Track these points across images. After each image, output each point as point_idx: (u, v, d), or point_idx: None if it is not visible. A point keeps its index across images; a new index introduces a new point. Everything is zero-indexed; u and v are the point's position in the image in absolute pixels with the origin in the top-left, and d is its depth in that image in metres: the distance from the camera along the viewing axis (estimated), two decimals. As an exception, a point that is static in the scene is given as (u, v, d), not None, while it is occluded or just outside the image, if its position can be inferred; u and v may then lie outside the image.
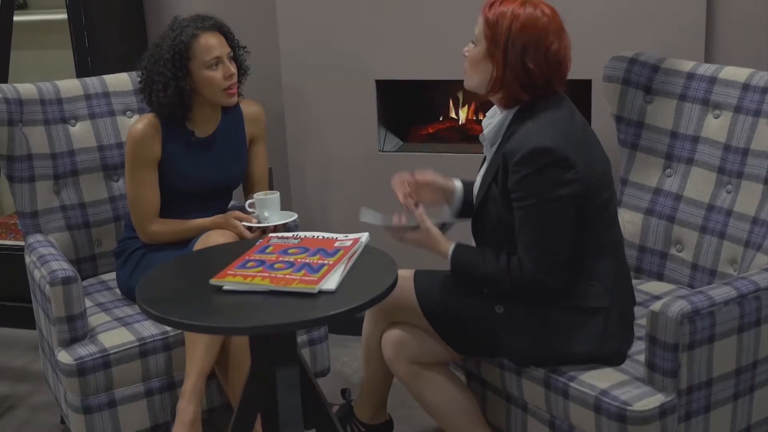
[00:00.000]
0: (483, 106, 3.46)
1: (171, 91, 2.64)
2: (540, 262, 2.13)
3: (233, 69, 2.70)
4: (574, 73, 2.97)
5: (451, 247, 2.26)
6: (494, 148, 2.26)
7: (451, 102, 3.47)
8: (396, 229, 2.32)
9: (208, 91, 2.68)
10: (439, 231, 2.30)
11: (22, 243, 2.91)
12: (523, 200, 2.13)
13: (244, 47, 2.80)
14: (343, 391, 2.72)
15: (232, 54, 2.72)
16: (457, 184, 2.47)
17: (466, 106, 3.46)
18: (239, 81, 2.76)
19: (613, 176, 2.30)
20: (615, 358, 2.22)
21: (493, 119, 2.27)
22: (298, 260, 2.15)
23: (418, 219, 2.29)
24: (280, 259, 2.17)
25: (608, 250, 2.25)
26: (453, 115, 3.49)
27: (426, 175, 2.41)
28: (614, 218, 2.31)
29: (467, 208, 2.42)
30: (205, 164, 2.76)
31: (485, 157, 2.34)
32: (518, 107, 2.22)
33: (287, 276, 2.06)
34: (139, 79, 2.77)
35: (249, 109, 2.87)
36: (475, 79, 2.24)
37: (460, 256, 2.25)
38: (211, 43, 2.66)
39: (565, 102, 2.25)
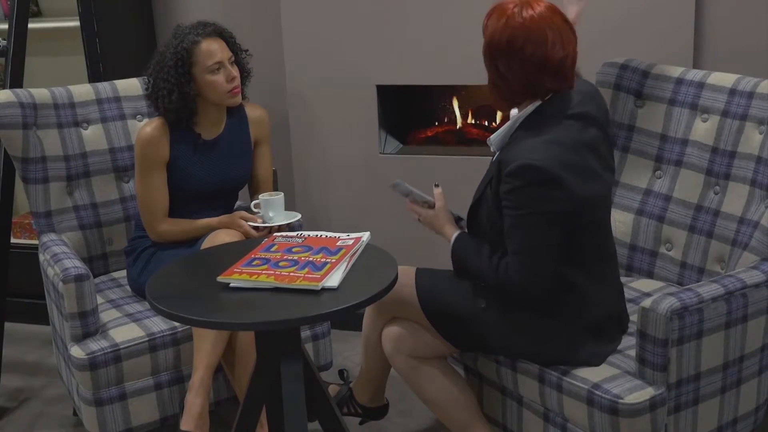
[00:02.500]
0: (480, 111, 3.46)
1: (175, 97, 2.64)
2: (524, 269, 2.12)
3: (235, 72, 2.69)
4: (567, 79, 2.98)
5: (454, 235, 2.27)
6: (498, 153, 2.24)
7: (456, 102, 3.46)
8: (416, 202, 2.34)
9: (212, 94, 2.68)
10: (451, 216, 2.32)
11: (36, 242, 2.91)
12: (511, 209, 2.12)
13: (246, 50, 2.80)
14: (341, 372, 2.71)
15: (233, 58, 2.71)
16: None
17: (458, 112, 3.47)
18: (243, 83, 2.75)
19: (610, 200, 2.25)
20: (590, 361, 2.20)
21: (507, 123, 2.23)
22: (302, 258, 2.15)
23: (436, 197, 2.31)
24: (285, 257, 2.16)
25: (593, 264, 2.22)
26: (456, 119, 3.49)
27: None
28: (606, 233, 2.28)
29: None
30: (212, 166, 2.76)
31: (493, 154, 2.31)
32: (527, 115, 2.17)
33: (291, 273, 2.06)
34: (145, 86, 2.77)
35: (253, 113, 2.87)
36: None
37: (459, 245, 2.27)
38: (212, 49, 2.66)
39: (575, 120, 2.15)
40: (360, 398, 2.64)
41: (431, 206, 2.34)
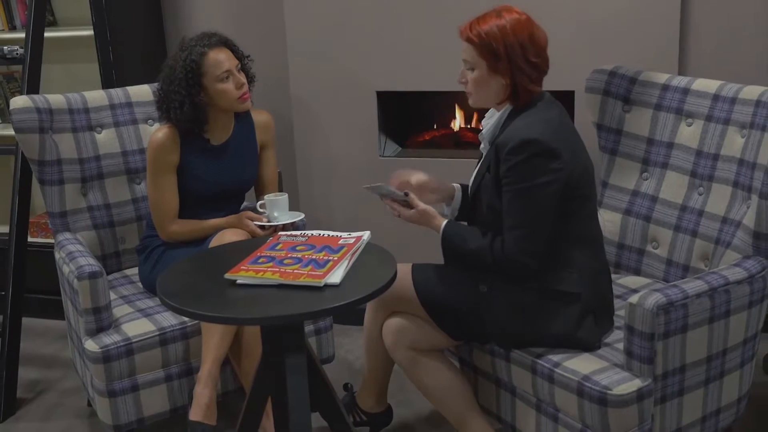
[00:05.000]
0: (475, 115, 3.46)
1: (187, 108, 2.64)
2: (520, 242, 2.14)
3: (243, 79, 2.69)
4: (558, 85, 2.98)
5: (444, 222, 2.28)
6: (489, 144, 2.28)
7: (457, 109, 3.46)
8: (395, 201, 2.32)
9: (223, 102, 2.68)
10: (433, 209, 2.31)
11: (52, 241, 2.91)
12: (511, 185, 2.14)
13: (248, 56, 2.79)
14: (345, 385, 2.71)
15: (239, 65, 2.71)
16: (456, 186, 2.47)
17: (460, 116, 3.47)
18: (249, 88, 2.75)
19: (594, 178, 2.30)
20: (589, 343, 2.22)
21: (491, 119, 2.29)
22: (306, 256, 2.15)
23: (411, 203, 2.31)
24: (289, 255, 2.16)
25: (585, 242, 2.25)
26: (452, 123, 3.50)
27: (420, 177, 2.38)
28: (593, 214, 2.31)
29: (466, 211, 2.43)
30: (220, 169, 2.76)
31: (481, 155, 2.34)
32: (512, 108, 2.23)
33: (295, 271, 2.06)
34: (155, 98, 2.76)
35: (260, 117, 2.87)
36: (484, 97, 2.25)
37: (449, 231, 2.27)
38: (220, 58, 2.65)
39: (555, 105, 2.26)
40: (364, 404, 2.63)
41: (407, 204, 2.32)
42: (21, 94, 2.98)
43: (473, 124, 3.46)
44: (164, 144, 2.68)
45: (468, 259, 2.24)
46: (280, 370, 2.08)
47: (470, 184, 2.34)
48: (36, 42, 3.06)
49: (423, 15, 3.13)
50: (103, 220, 2.90)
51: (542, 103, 2.23)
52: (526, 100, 2.22)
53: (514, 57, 2.17)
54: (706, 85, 2.54)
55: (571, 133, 2.26)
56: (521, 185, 2.13)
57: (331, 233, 2.30)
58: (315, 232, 2.32)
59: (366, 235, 2.27)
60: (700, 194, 2.49)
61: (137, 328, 2.53)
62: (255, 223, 2.64)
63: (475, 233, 2.23)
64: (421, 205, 2.32)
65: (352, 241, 2.23)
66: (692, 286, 2.12)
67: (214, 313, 1.97)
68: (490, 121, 2.29)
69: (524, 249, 2.14)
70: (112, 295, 2.68)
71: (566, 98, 2.98)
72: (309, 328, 2.75)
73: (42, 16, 3.10)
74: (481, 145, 2.34)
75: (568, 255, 2.21)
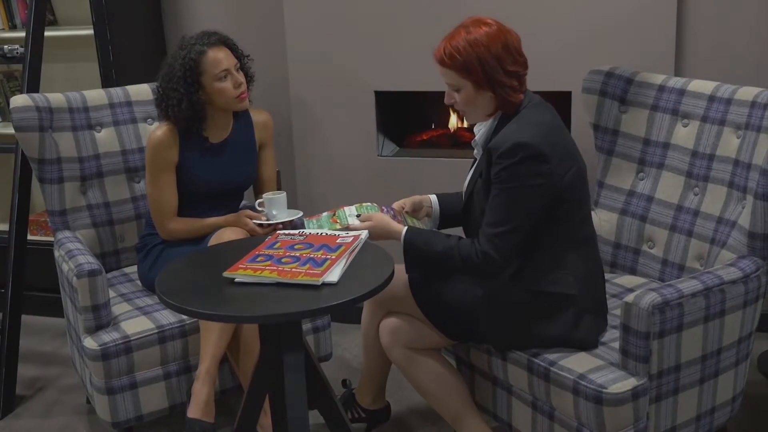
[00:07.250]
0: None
1: (185, 106, 2.64)
2: (495, 239, 2.13)
3: (241, 78, 2.69)
4: (555, 85, 2.99)
5: (404, 229, 2.26)
6: (482, 150, 2.27)
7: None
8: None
9: (221, 100, 2.67)
10: (389, 218, 2.32)
11: (51, 239, 2.91)
12: (499, 185, 2.14)
13: (248, 56, 2.79)
14: (344, 381, 2.71)
15: (238, 65, 2.71)
16: (432, 197, 2.50)
17: (456, 116, 3.47)
18: (248, 87, 2.75)
19: (588, 179, 2.29)
20: (587, 343, 2.22)
21: (483, 126, 2.29)
22: (304, 255, 2.14)
23: (364, 218, 2.33)
24: (287, 253, 2.16)
25: (579, 244, 2.25)
26: (450, 123, 3.49)
27: (401, 203, 2.45)
28: (587, 216, 2.31)
29: (444, 220, 2.48)
30: (219, 168, 2.76)
31: (474, 160, 2.35)
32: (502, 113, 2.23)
33: (293, 269, 2.06)
34: (154, 96, 2.76)
35: (258, 116, 2.86)
36: (478, 113, 2.26)
37: (411, 235, 2.25)
38: (219, 57, 2.65)
39: (547, 107, 2.25)
40: (362, 400, 2.63)
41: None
42: (21, 92, 2.97)
43: (470, 125, 3.46)
44: (163, 142, 2.67)
45: (433, 261, 2.23)
46: (278, 367, 2.08)
47: (464, 190, 2.34)
48: (36, 41, 3.05)
49: (421, 15, 3.13)
50: (102, 218, 2.89)
51: (533, 105, 2.22)
52: (513, 108, 2.22)
53: (491, 71, 2.16)
54: (702, 86, 2.54)
55: (564, 136, 2.25)
56: (508, 185, 2.12)
57: (330, 232, 2.30)
58: (313, 231, 2.31)
59: (364, 234, 2.27)
60: (696, 194, 2.49)
61: (136, 325, 2.53)
62: (254, 221, 2.64)
63: (439, 236, 2.23)
64: (371, 215, 2.32)
65: (350, 239, 2.23)
66: (687, 285, 2.13)
67: (212, 311, 1.97)
68: (482, 129, 2.29)
69: (497, 246, 2.13)
70: (111, 293, 2.68)
71: (563, 99, 2.98)
72: (307, 326, 2.75)
73: (42, 15, 3.10)
74: (474, 151, 2.34)
75: (562, 257, 2.21)
